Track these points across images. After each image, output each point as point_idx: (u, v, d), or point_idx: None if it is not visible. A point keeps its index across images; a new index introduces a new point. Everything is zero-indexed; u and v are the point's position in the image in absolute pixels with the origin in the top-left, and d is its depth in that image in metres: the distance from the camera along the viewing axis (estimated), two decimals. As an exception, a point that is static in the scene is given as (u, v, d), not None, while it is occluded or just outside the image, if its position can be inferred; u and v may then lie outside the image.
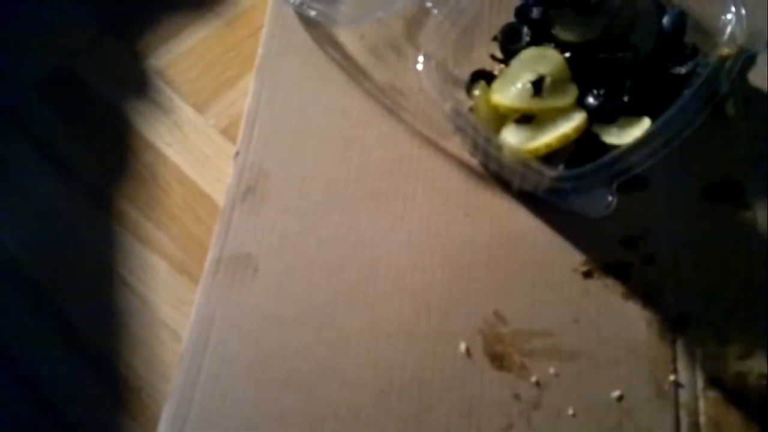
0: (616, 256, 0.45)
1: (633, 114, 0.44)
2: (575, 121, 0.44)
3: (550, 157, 0.44)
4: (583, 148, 0.44)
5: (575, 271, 0.45)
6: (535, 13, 0.48)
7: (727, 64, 0.47)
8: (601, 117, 0.44)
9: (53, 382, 0.44)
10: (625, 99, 0.45)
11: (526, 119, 0.45)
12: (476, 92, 0.47)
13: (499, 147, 0.44)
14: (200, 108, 0.52)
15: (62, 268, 0.47)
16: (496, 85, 0.46)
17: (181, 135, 0.51)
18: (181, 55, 0.54)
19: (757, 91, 0.50)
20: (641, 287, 0.44)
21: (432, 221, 0.46)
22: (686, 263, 0.45)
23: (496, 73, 0.48)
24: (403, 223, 0.46)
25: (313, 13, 0.49)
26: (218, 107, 0.52)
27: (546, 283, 0.44)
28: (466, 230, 0.46)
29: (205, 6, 0.56)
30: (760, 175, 0.47)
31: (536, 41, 0.47)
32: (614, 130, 0.44)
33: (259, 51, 0.51)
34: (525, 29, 0.48)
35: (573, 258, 0.45)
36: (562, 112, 0.45)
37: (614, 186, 0.42)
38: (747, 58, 0.50)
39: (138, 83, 0.53)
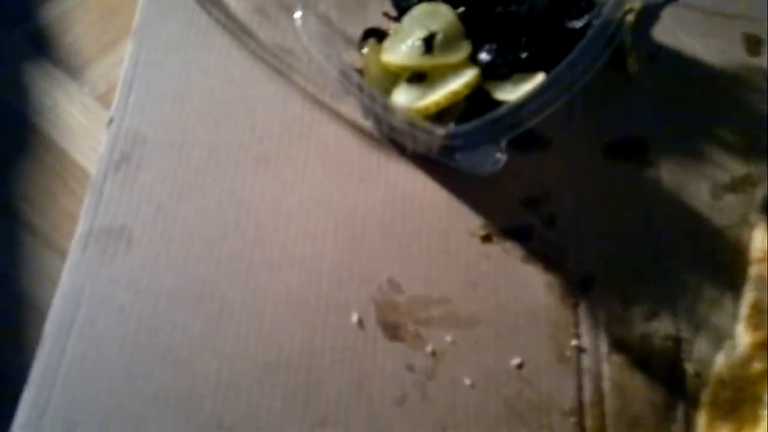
0: (516, 218, 0.43)
1: (528, 70, 0.43)
2: (465, 77, 0.42)
3: (441, 116, 0.42)
4: (474, 106, 0.42)
5: (473, 235, 0.42)
6: None
7: (628, 16, 0.45)
8: (493, 73, 0.43)
9: None
10: (522, 55, 0.43)
11: (418, 78, 0.43)
12: (366, 51, 0.44)
13: (388, 107, 0.41)
14: (74, 74, 0.49)
15: None
16: (387, 43, 0.44)
17: (53, 103, 0.47)
18: (55, 19, 0.50)
19: (661, 48, 0.48)
20: (542, 249, 0.42)
21: (324, 187, 0.44)
22: (589, 224, 0.43)
23: (390, 31, 0.46)
24: (293, 189, 0.43)
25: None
26: (95, 74, 0.49)
27: (443, 249, 0.42)
28: (359, 195, 0.43)
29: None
30: (664, 132, 0.46)
31: None
32: (508, 86, 0.42)
33: (137, 13, 0.48)
34: None
35: (471, 222, 0.43)
36: (454, 69, 0.43)
37: (503, 143, 0.40)
38: (649, 13, 0.49)
39: (8, 51, 0.49)
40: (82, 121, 0.47)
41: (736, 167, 0.45)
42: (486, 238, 0.42)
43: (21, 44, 0.49)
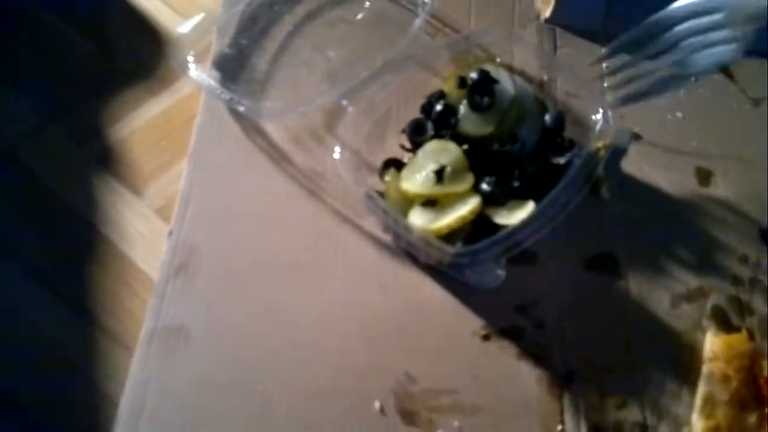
0: (510, 321, 0.51)
1: (520, 198, 0.51)
2: (471, 204, 0.50)
3: (450, 235, 0.50)
4: (478, 228, 0.50)
5: (475, 334, 0.50)
6: (438, 108, 0.55)
7: (601, 153, 0.55)
8: (492, 201, 0.51)
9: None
10: (515, 185, 0.52)
11: (430, 203, 0.51)
12: (387, 178, 0.53)
13: (407, 227, 0.50)
14: (137, 190, 0.56)
15: (7, 343, 0.49)
16: (404, 172, 0.53)
17: (119, 216, 0.55)
18: (121, 140, 0.58)
19: (628, 177, 0.58)
20: (533, 349, 0.50)
21: (348, 292, 0.51)
22: (571, 327, 0.51)
23: (405, 160, 0.55)
24: (322, 294, 0.51)
25: (241, 108, 0.55)
26: (154, 189, 0.57)
27: (450, 346, 0.50)
28: (378, 300, 0.51)
29: (142, 95, 0.61)
30: (631, 249, 0.54)
31: (439, 132, 0.54)
32: (504, 212, 0.51)
33: (193, 138, 0.56)
34: (429, 124, 0.55)
35: (473, 323, 0.50)
36: (461, 197, 0.51)
37: (503, 261, 0.49)
38: (618, 150, 0.59)
39: (79, 167, 0.57)
40: (144, 231, 0.54)
41: (691, 280, 0.53)
42: (486, 338, 0.50)
43: (91, 160, 0.57)
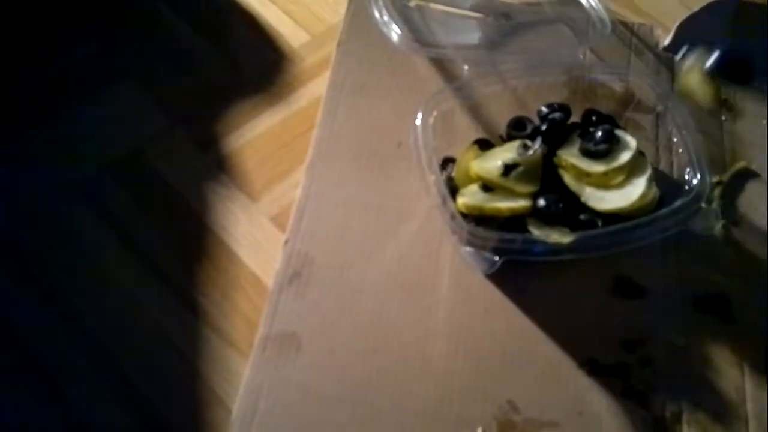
0: (616, 356, 0.51)
1: (563, 225, 0.51)
2: (522, 203, 0.52)
3: (484, 220, 0.51)
4: (511, 223, 0.52)
5: (581, 367, 0.50)
6: (557, 116, 0.56)
7: (717, 189, 0.54)
8: (539, 215, 0.52)
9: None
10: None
11: (487, 188, 0.53)
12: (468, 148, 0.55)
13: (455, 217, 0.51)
14: (254, 197, 0.58)
15: (127, 335, 0.52)
16: (486, 153, 0.55)
17: (236, 221, 0.57)
18: (240, 147, 0.60)
19: (744, 216, 0.57)
20: (638, 386, 0.49)
21: (456, 314, 0.52)
22: (679, 367, 0.50)
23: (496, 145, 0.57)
24: (430, 313, 0.52)
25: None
26: (270, 197, 0.58)
27: (555, 377, 0.50)
28: (485, 324, 0.52)
29: (263, 104, 0.63)
30: (745, 291, 0.53)
31: (546, 140, 0.55)
32: (545, 229, 0.51)
33: (310, 151, 0.58)
34: (530, 125, 0.57)
35: (579, 355, 0.50)
36: (516, 195, 0.52)
37: (500, 258, 0.51)
38: (734, 187, 0.58)
39: (201, 171, 0.59)
40: (259, 238, 0.56)
41: (806, 329, 0.52)
42: (591, 371, 0.50)
43: (211, 166, 0.59)
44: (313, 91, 0.64)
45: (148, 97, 0.63)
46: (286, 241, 0.54)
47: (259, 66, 0.66)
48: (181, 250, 0.55)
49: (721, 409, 0.49)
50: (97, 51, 0.67)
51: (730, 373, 0.50)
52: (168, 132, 0.61)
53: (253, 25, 0.69)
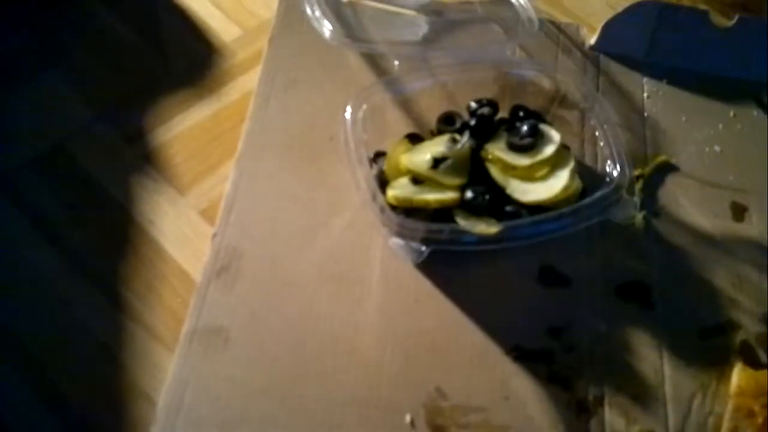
0: (541, 343, 0.52)
1: (490, 216, 0.53)
2: (450, 196, 0.53)
3: (412, 212, 0.53)
4: (438, 215, 0.53)
5: (507, 354, 0.51)
6: (485, 111, 0.58)
7: (638, 182, 0.56)
8: (466, 207, 0.53)
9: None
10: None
11: (417, 181, 0.54)
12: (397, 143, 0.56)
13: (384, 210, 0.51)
14: (182, 191, 0.58)
15: (47, 332, 0.51)
16: (416, 147, 0.56)
17: (164, 215, 0.56)
18: (169, 141, 0.60)
19: (664, 207, 0.59)
20: (562, 371, 0.51)
21: (386, 305, 0.52)
22: (601, 352, 0.52)
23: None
24: (360, 305, 0.52)
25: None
26: (199, 191, 0.58)
27: (482, 364, 0.51)
28: (415, 315, 0.52)
29: (193, 98, 0.63)
30: (664, 279, 0.55)
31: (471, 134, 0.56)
32: (472, 219, 0.53)
33: (240, 144, 0.57)
34: (459, 121, 0.58)
35: (506, 342, 0.51)
36: (444, 188, 0.53)
37: (427, 248, 0.51)
38: (654, 180, 0.60)
39: (127, 165, 0.58)
40: (187, 232, 0.56)
41: (721, 314, 0.54)
42: (517, 358, 0.51)
43: (138, 159, 0.58)
44: (244, 85, 0.64)
45: (74, 88, 0.62)
46: (215, 235, 0.53)
47: (190, 60, 0.65)
48: (106, 245, 0.54)
49: (641, 392, 0.50)
50: (21, 41, 0.65)
51: (650, 357, 0.52)
52: (93, 125, 0.60)
53: (184, 18, 0.68)
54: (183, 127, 0.61)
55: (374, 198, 0.51)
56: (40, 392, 0.48)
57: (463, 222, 0.52)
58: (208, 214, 0.56)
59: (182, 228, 0.56)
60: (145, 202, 0.56)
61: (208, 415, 0.47)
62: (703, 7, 0.68)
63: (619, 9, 0.67)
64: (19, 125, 0.60)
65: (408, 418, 0.48)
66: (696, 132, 0.64)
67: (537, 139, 0.56)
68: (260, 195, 0.56)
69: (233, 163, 0.56)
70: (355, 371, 0.49)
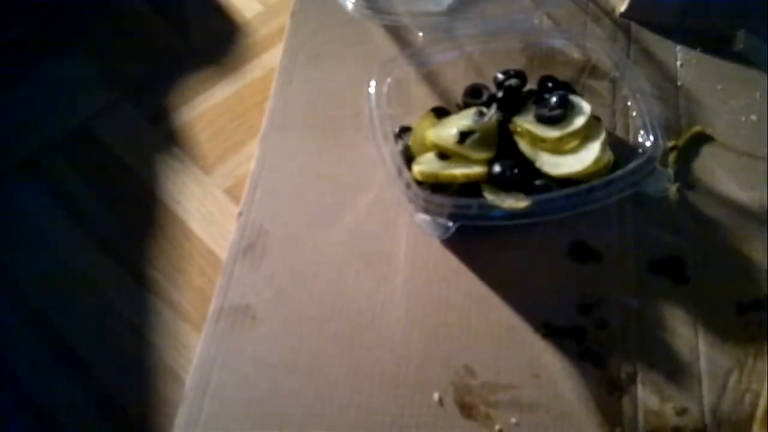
0: (572, 320, 0.51)
1: (519, 190, 0.51)
2: (477, 170, 0.52)
3: (441, 187, 0.52)
4: (466, 189, 0.52)
5: (536, 331, 0.50)
6: (513, 82, 0.56)
7: (672, 153, 0.54)
8: (494, 181, 0.52)
9: (62, 414, 0.48)
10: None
11: (443, 156, 0.53)
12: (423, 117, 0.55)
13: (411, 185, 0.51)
14: (207, 170, 0.58)
15: (77, 312, 0.51)
16: (442, 121, 0.55)
17: (189, 194, 0.56)
18: (193, 120, 0.60)
19: (699, 179, 0.57)
20: (594, 348, 0.50)
21: (413, 282, 0.52)
22: (634, 329, 0.51)
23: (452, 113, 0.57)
24: (387, 282, 0.52)
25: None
26: (224, 169, 0.58)
27: (511, 342, 0.50)
28: (442, 292, 0.51)
29: (216, 76, 0.63)
30: (700, 253, 0.54)
31: (502, 107, 0.55)
32: (501, 194, 0.51)
33: (264, 123, 0.57)
34: (486, 93, 0.57)
35: (535, 319, 0.50)
36: (471, 162, 0.52)
37: (454, 224, 0.51)
38: (690, 150, 0.58)
39: (152, 145, 0.58)
40: (213, 210, 0.56)
41: (758, 288, 0.52)
42: (547, 335, 0.50)
43: (163, 139, 0.58)
44: (266, 62, 0.63)
45: (97, 70, 0.62)
46: (240, 213, 0.53)
47: (212, 37, 0.65)
48: (132, 225, 0.55)
49: (675, 369, 0.49)
50: (42, 24, 0.65)
51: (684, 333, 0.50)
52: (118, 105, 0.60)
53: (205, -4, 0.67)
54: (207, 106, 0.60)
55: (400, 174, 0.51)
56: (72, 373, 0.49)
57: (491, 197, 0.51)
58: (233, 193, 0.56)
59: (208, 207, 0.56)
60: (171, 182, 0.56)
61: (236, 393, 0.47)
62: (739, -31, 0.65)
63: (652, -26, 0.65)
64: (43, 108, 0.60)
65: (436, 396, 0.48)
66: (732, 101, 0.62)
67: (566, 111, 0.54)
68: (285, 173, 0.55)
69: (257, 141, 0.56)
70: (382, 349, 0.49)
